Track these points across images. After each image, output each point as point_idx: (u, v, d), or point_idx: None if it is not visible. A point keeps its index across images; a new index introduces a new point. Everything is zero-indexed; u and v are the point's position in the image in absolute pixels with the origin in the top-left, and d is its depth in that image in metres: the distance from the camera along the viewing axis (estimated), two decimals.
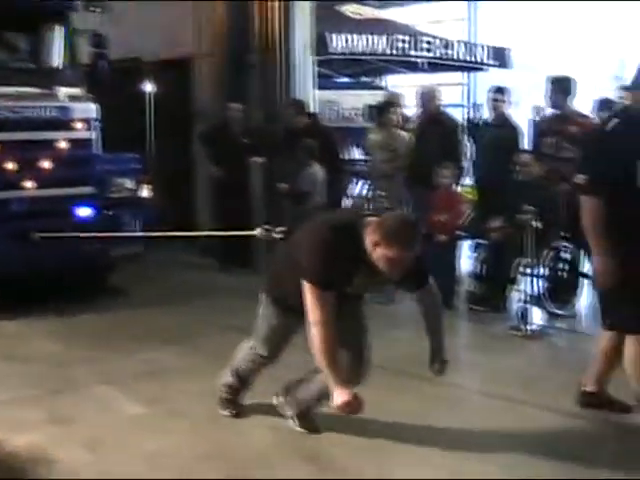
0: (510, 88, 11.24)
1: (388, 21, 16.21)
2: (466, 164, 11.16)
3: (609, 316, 5.83)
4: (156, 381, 7.00)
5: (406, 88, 15.13)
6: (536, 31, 19.59)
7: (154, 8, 13.05)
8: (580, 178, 5.59)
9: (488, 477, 5.13)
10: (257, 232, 7.11)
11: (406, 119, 12.18)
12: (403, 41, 14.49)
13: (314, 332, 4.95)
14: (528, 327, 8.57)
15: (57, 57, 10.17)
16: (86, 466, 5.35)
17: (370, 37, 14.22)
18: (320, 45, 13.24)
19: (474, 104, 17.50)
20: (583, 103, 10.78)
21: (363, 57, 15.05)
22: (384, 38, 14.33)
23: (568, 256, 9.36)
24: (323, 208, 10.67)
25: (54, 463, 5.37)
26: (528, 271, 8.81)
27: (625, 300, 5.52)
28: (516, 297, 9.30)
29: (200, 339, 8.27)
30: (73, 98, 9.62)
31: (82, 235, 8.96)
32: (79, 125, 9.56)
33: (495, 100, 10.88)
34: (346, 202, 13.27)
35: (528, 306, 8.71)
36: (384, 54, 14.68)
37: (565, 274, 9.46)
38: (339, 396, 4.83)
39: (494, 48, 15.78)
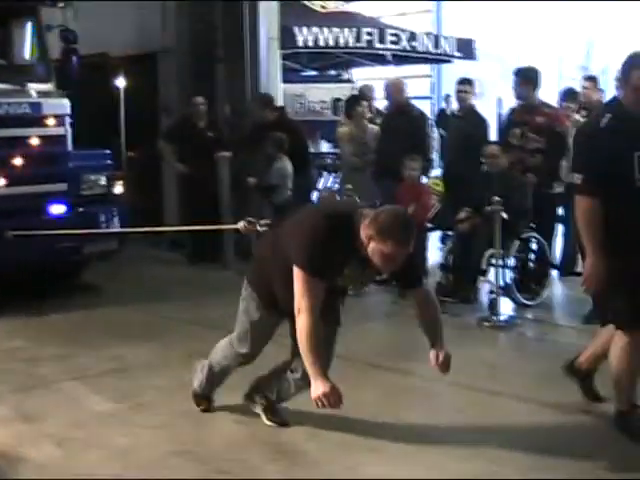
0: (476, 79, 11.27)
1: (354, 14, 16.21)
2: (434, 156, 11.18)
3: (604, 313, 5.80)
4: (125, 377, 6.97)
5: (373, 81, 15.16)
6: (501, 22, 19.69)
7: (120, 3, 12.97)
8: (575, 177, 5.47)
9: (466, 471, 5.11)
10: (240, 225, 7.06)
11: (378, 112, 12.18)
12: (369, 34, 14.49)
13: (300, 319, 4.88)
14: (498, 318, 8.61)
15: (27, 53, 10.07)
16: (56, 464, 5.30)
17: (336, 30, 14.21)
18: (286, 39, 13.23)
19: (446, 95, 17.57)
20: (549, 93, 10.84)
21: (329, 50, 15.04)
22: (350, 31, 14.32)
23: (537, 247, 9.40)
24: (292, 202, 10.71)
25: (23, 461, 5.33)
26: (497, 262, 8.82)
27: (617, 297, 5.48)
28: (485, 288, 9.34)
29: (169, 334, 8.23)
30: (44, 94, 9.52)
31: (55, 232, 8.85)
32: (51, 121, 9.46)
33: (461, 92, 10.91)
34: (315, 196, 13.26)
35: (497, 297, 8.74)
36: (350, 47, 14.68)
37: (534, 265, 9.51)
38: (318, 387, 4.77)
39: (459, 40, 15.81)
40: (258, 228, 6.85)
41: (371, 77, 17.10)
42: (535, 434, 5.71)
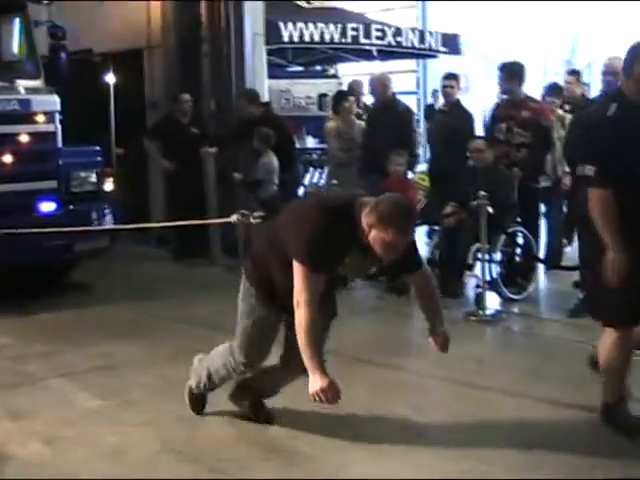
0: (462, 74, 11.28)
1: (339, 9, 16.20)
2: (420, 151, 11.19)
3: (597, 309, 5.79)
4: (113, 374, 6.96)
5: (359, 76, 15.16)
6: (487, 17, 19.71)
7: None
8: (587, 169, 5.33)
9: (455, 471, 5.09)
10: (233, 218, 7.04)
11: (366, 107, 12.18)
12: (354, 29, 14.46)
13: (299, 313, 4.82)
14: (484, 312, 8.63)
15: (15, 49, 10.00)
16: (44, 462, 5.29)
17: (321, 26, 14.19)
18: (272, 34, 13.20)
19: (434, 91, 17.59)
20: (534, 88, 10.87)
21: (315, 46, 15.02)
22: (336, 26, 14.30)
23: (522, 241, 9.43)
24: (278, 197, 10.72)
25: (11, 459, 5.31)
26: (483, 256, 8.84)
27: (611, 293, 5.46)
28: (472, 283, 9.37)
29: (157, 332, 8.22)
30: (33, 91, 9.46)
31: (45, 230, 8.77)
32: (41, 118, 9.40)
33: (447, 87, 10.93)
34: (300, 191, 13.25)
35: (484, 291, 8.76)
36: (336, 42, 14.65)
37: (520, 259, 9.53)
38: (316, 382, 4.70)
39: (445, 35, 15.81)
40: (251, 220, 6.84)
41: (357, 72, 17.09)
42: (525, 431, 5.70)
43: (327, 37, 14.24)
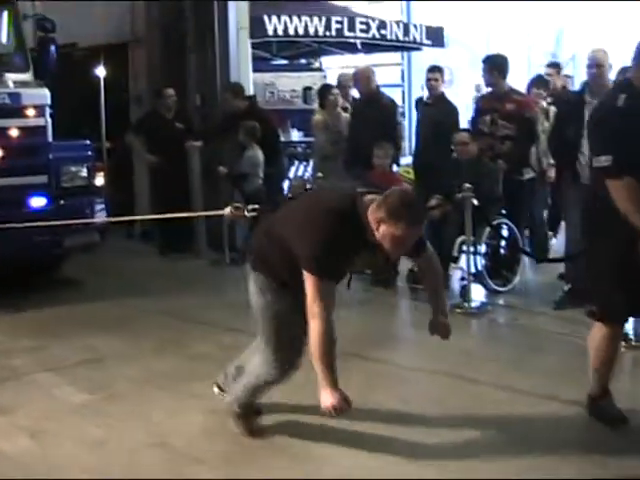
0: (446, 67, 11.29)
1: (323, 2, 16.18)
2: (404, 144, 11.19)
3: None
4: (98, 368, 6.96)
5: (343, 69, 15.13)
6: (471, 10, 19.70)
7: None
8: (603, 160, 5.25)
9: (443, 468, 5.10)
10: (226, 211, 7.02)
11: (354, 100, 12.18)
12: (339, 22, 14.45)
13: (313, 325, 4.74)
14: (469, 304, 8.66)
15: (4, 42, 9.90)
16: (31, 456, 5.30)
17: (306, 19, 14.18)
18: (256, 28, 13.18)
19: (423, 84, 17.54)
20: (519, 81, 10.89)
21: (299, 39, 15.01)
22: (320, 20, 14.29)
23: (507, 233, 9.45)
24: (263, 190, 10.73)
25: None
26: (468, 249, 8.86)
27: (603, 289, 5.47)
28: (457, 275, 9.39)
29: (143, 326, 8.24)
30: (22, 84, 9.37)
31: (36, 225, 8.70)
32: (31, 112, 9.31)
33: (431, 80, 10.93)
34: (286, 184, 13.25)
35: (469, 283, 8.79)
36: (320, 36, 14.64)
37: (505, 251, 9.56)
38: (328, 398, 4.66)
39: (429, 28, 15.81)
40: (246, 214, 6.83)
41: (341, 65, 17.08)
42: (514, 423, 5.73)
43: (311, 30, 14.21)
